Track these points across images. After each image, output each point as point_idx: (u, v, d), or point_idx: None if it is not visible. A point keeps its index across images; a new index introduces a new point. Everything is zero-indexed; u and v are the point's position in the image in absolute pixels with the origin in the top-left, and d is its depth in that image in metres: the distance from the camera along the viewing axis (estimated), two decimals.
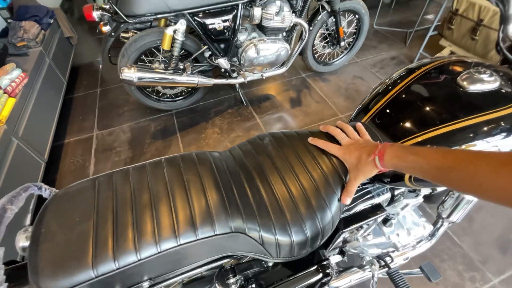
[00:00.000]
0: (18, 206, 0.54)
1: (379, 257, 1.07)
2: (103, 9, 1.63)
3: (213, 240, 0.53)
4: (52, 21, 2.52)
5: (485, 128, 0.60)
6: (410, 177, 0.66)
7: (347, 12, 2.34)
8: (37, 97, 1.88)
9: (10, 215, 0.52)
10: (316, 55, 2.51)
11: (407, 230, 1.01)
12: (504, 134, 0.60)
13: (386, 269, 1.02)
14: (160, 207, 0.53)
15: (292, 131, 0.76)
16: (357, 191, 0.77)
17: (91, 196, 0.54)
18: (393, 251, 1.06)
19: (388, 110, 0.72)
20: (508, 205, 0.38)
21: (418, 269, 1.08)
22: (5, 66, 1.80)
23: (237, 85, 2.34)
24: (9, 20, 2.42)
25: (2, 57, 1.90)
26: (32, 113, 1.75)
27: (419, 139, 0.64)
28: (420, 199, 0.96)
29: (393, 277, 1.00)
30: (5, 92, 1.67)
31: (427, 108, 0.66)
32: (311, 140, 0.70)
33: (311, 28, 2.19)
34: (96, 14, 1.61)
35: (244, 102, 2.31)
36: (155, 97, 2.14)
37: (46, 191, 0.59)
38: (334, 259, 1.02)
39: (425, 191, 0.94)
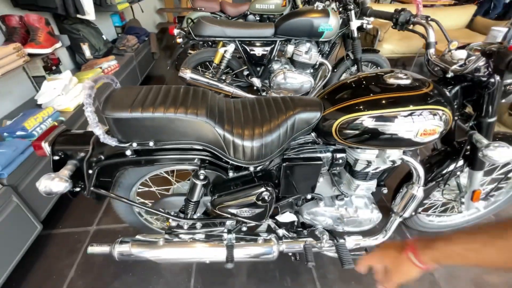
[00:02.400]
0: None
1: (330, 231, 1.25)
2: (181, 29, 2.33)
3: (186, 122, 0.87)
4: (146, 39, 3.47)
5: (394, 101, 0.88)
6: (336, 131, 0.95)
7: (370, 64, 2.74)
8: (120, 81, 2.60)
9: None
10: None
11: (355, 208, 1.20)
12: (403, 103, 0.88)
13: (334, 241, 1.20)
14: (170, 102, 0.91)
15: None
16: (304, 144, 1.06)
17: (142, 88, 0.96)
18: (339, 223, 1.23)
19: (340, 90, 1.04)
20: None
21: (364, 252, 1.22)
22: (108, 57, 2.59)
23: None
24: (119, 34, 3.42)
25: (108, 52, 2.74)
26: None
27: (353, 102, 0.93)
28: (372, 184, 1.16)
29: (339, 250, 1.17)
30: (102, 72, 2.39)
31: (364, 88, 0.97)
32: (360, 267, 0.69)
33: (335, 70, 2.62)
34: (176, 31, 2.31)
35: None
36: None
37: (118, 84, 1.04)
38: (288, 217, 1.24)
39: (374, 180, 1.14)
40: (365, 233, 1.30)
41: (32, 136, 1.55)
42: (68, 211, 1.82)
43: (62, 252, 1.57)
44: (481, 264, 0.49)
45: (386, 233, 1.27)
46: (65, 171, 0.97)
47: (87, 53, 2.54)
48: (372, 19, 2.35)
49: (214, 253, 1.17)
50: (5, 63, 1.39)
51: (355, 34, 2.37)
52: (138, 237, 1.19)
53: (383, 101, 0.89)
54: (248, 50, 2.35)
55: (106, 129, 0.94)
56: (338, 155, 1.05)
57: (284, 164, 1.00)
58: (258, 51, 2.36)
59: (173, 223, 1.20)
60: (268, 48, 2.36)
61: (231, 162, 0.96)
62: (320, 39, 2.30)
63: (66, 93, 1.87)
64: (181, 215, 1.18)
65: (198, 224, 1.28)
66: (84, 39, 2.51)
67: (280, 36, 2.32)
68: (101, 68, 2.41)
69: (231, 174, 1.03)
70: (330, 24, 2.21)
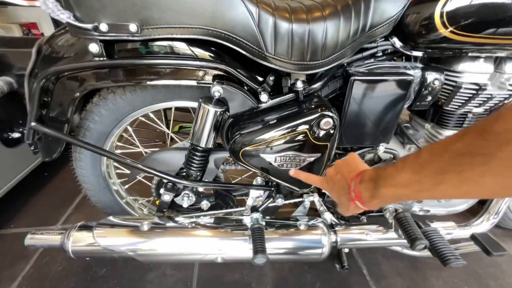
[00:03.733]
0: None
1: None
2: None
3: None
4: None
5: None
6: (444, 17, 0.57)
7: None
8: None
9: None
10: None
11: None
12: None
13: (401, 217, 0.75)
14: None
15: None
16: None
17: None
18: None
19: None
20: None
21: (470, 241, 0.77)
22: None
23: None
24: None
25: None
26: None
27: None
28: None
29: (433, 241, 0.72)
30: None
31: None
32: (292, 172, 0.64)
33: None
34: None
35: None
36: None
37: None
38: None
39: None
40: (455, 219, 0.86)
41: None
42: (27, 207, 1.36)
43: (6, 259, 1.09)
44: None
45: (489, 215, 0.84)
46: None
47: None
48: None
49: (231, 244, 0.72)
50: None
51: None
52: (109, 218, 0.75)
53: None
54: None
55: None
56: (433, 76, 0.67)
57: (354, 78, 0.60)
58: None
59: (166, 197, 0.76)
60: None
61: (268, 65, 0.56)
62: None
63: None
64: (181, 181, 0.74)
65: (205, 203, 0.84)
66: None
67: None
68: None
69: (264, 97, 0.62)
70: None
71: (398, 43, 0.65)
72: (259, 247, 0.63)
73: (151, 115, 0.78)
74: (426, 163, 0.35)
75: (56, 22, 2.25)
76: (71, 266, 1.06)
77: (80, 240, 0.71)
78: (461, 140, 0.31)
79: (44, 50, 0.62)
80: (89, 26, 0.52)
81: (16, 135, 0.70)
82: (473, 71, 0.67)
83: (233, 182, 0.87)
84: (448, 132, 0.78)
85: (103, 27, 0.52)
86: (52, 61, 0.61)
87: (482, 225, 0.82)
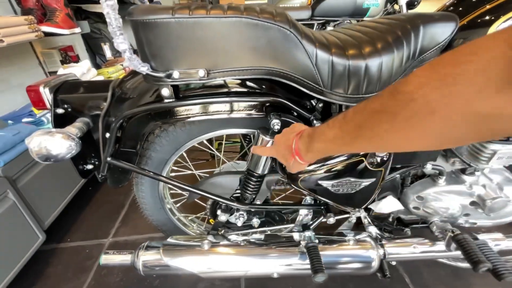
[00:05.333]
0: None
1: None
2: None
3: (257, 30, 0.53)
4: None
5: None
6: None
7: None
8: None
9: None
10: None
11: (497, 185, 0.79)
12: None
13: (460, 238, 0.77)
14: (228, 6, 0.58)
15: None
16: None
17: None
18: (471, 212, 0.80)
19: None
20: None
21: None
22: None
23: None
24: None
25: None
26: None
27: None
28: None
29: (485, 254, 0.74)
30: (123, 70, 2.19)
31: None
32: (253, 149, 0.66)
33: None
34: None
35: None
36: None
37: None
38: (390, 204, 0.83)
39: None
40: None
41: (41, 124, 1.28)
42: (79, 221, 1.48)
43: (68, 272, 1.20)
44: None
45: None
46: (73, 129, 0.65)
47: (108, 53, 2.37)
48: None
49: (286, 261, 0.77)
50: (14, 32, 1.17)
51: (404, 10, 2.08)
52: (171, 240, 0.82)
53: None
54: None
55: None
56: None
57: None
58: None
59: (222, 218, 0.82)
60: None
61: (325, 99, 0.60)
62: (365, 18, 2.02)
63: None
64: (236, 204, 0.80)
65: (255, 221, 0.89)
66: (105, 39, 2.36)
67: (317, 18, 2.06)
68: (121, 65, 2.21)
69: (316, 125, 0.66)
70: None
71: None
72: (317, 266, 0.68)
73: (205, 141, 0.84)
74: (349, 120, 0.40)
75: (89, 45, 2.38)
76: (127, 278, 1.15)
77: (148, 260, 0.78)
78: (377, 100, 0.35)
79: (116, 92, 0.69)
80: (163, 75, 0.58)
81: (89, 167, 0.78)
82: None
83: (282, 201, 0.92)
84: (493, 146, 0.78)
85: (176, 74, 0.58)
86: (124, 102, 0.68)
87: None
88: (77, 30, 1.66)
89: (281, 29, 0.55)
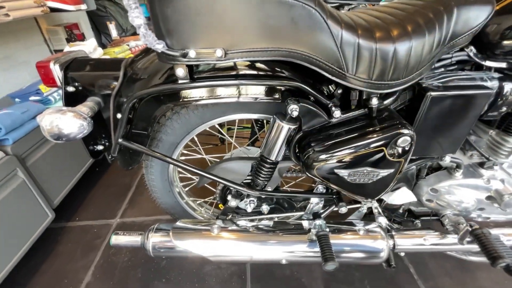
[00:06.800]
0: None
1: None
2: None
3: (279, 8, 0.49)
4: None
5: None
6: None
7: None
8: None
9: None
10: None
11: None
12: None
13: (479, 233, 0.76)
14: None
15: None
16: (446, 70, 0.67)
17: None
18: (487, 206, 0.79)
19: None
20: None
21: None
22: (137, 35, 2.35)
23: None
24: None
25: (136, 33, 2.51)
26: None
27: None
28: None
29: (493, 247, 0.73)
30: (129, 50, 2.14)
31: None
32: None
33: None
34: None
35: None
36: None
37: None
38: (403, 196, 0.81)
39: None
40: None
41: (48, 102, 1.26)
42: (87, 202, 1.49)
43: (77, 250, 1.22)
44: None
45: None
46: (84, 108, 0.63)
47: (114, 33, 2.31)
48: None
49: (296, 248, 0.77)
50: (20, 6, 1.13)
51: None
52: (181, 223, 0.82)
53: None
54: None
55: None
56: (509, 86, 0.64)
57: (431, 94, 0.60)
58: None
59: (233, 203, 0.81)
60: None
61: (348, 85, 0.57)
62: (381, 2, 1.93)
63: None
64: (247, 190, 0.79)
65: (264, 207, 0.89)
66: (111, 17, 2.30)
67: (331, 2, 1.97)
68: (128, 45, 2.16)
69: (337, 113, 0.63)
70: None
71: (474, 53, 0.64)
72: (328, 255, 0.67)
73: (216, 126, 0.82)
74: None
75: (94, 23, 2.32)
76: (135, 258, 1.17)
77: (158, 241, 0.78)
78: None
79: (128, 72, 0.66)
80: (178, 53, 0.55)
81: (100, 147, 0.77)
82: None
83: (294, 190, 0.90)
84: None
85: (192, 53, 0.55)
86: (136, 82, 0.66)
87: None
88: (83, 6, 1.61)
89: (305, 6, 0.51)
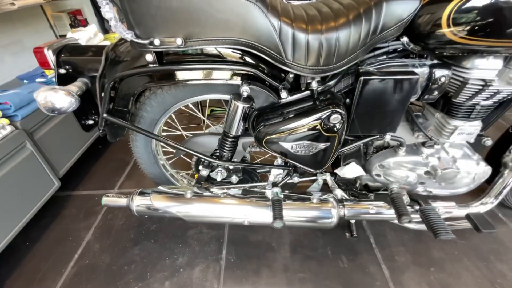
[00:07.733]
0: None
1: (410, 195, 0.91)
2: None
3: (228, 3, 0.59)
4: None
5: None
6: (449, 21, 0.63)
7: None
8: None
9: None
10: None
11: (452, 157, 0.86)
12: None
13: (418, 206, 0.86)
14: None
15: None
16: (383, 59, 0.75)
17: None
18: (426, 180, 0.89)
19: None
20: None
21: (464, 220, 0.87)
22: None
23: None
24: None
25: None
26: None
27: None
28: (475, 126, 0.82)
29: (428, 216, 0.83)
30: None
31: None
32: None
33: None
34: None
35: None
36: None
37: None
38: (353, 170, 0.92)
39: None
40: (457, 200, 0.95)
41: (52, 83, 1.40)
42: (89, 174, 1.67)
43: (80, 214, 1.40)
44: None
45: (490, 198, 0.92)
46: (73, 87, 0.76)
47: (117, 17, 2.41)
48: None
49: (256, 211, 0.90)
50: None
51: None
52: (161, 188, 0.96)
53: None
54: None
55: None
56: (440, 72, 0.73)
57: (363, 78, 0.69)
58: None
59: (203, 172, 0.95)
60: None
61: (287, 70, 0.68)
62: None
63: None
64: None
65: (234, 178, 1.02)
66: (113, 2, 2.38)
67: None
68: None
69: (284, 94, 0.74)
70: None
71: (408, 43, 0.72)
72: (277, 214, 0.80)
73: (190, 105, 0.94)
74: None
75: (97, 9, 2.42)
76: (129, 222, 1.34)
77: (141, 203, 0.93)
78: None
79: (110, 56, 0.78)
80: (146, 41, 0.66)
81: (90, 122, 0.90)
82: (481, 68, 0.72)
83: (257, 161, 1.03)
84: (456, 122, 0.84)
85: (157, 42, 0.66)
86: (117, 65, 0.77)
87: (480, 206, 0.90)
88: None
89: (248, 2, 0.61)
